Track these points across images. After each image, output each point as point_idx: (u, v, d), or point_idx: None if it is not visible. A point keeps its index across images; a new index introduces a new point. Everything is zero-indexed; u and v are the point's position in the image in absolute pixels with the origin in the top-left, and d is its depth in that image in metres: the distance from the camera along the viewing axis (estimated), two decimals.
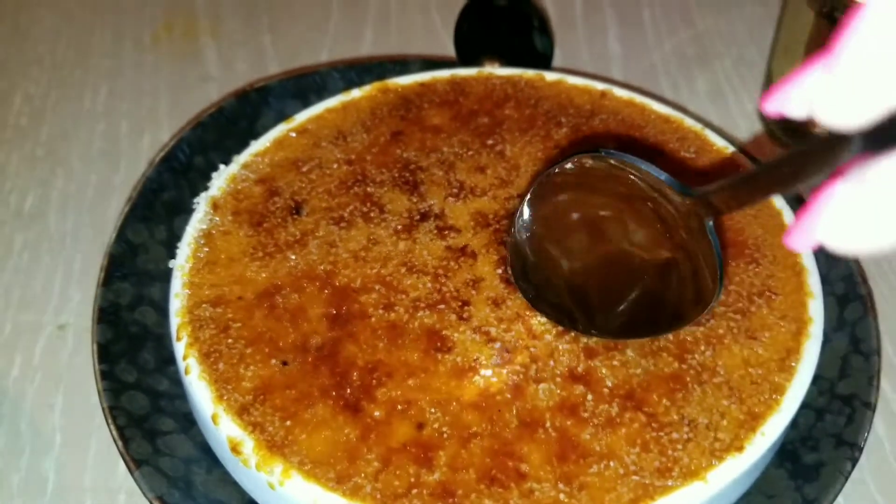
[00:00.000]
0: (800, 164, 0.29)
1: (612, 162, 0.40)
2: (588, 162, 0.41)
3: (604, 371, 0.42)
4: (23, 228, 0.61)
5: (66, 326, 0.55)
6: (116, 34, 0.77)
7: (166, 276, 0.49)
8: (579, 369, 0.42)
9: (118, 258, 0.52)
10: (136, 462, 0.43)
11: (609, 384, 0.42)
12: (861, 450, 0.44)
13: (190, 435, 0.46)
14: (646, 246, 0.41)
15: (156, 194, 0.56)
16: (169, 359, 0.49)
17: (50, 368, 0.53)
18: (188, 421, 0.46)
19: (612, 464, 0.40)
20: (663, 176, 0.38)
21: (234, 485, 0.44)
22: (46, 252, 0.60)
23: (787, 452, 0.45)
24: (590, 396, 0.42)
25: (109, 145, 0.67)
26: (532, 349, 0.43)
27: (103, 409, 0.46)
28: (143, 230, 0.54)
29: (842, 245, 0.27)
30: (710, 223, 0.37)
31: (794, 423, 0.46)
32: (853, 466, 0.43)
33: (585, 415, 0.41)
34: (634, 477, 0.39)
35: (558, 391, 0.42)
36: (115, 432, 0.44)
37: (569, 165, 0.41)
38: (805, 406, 0.47)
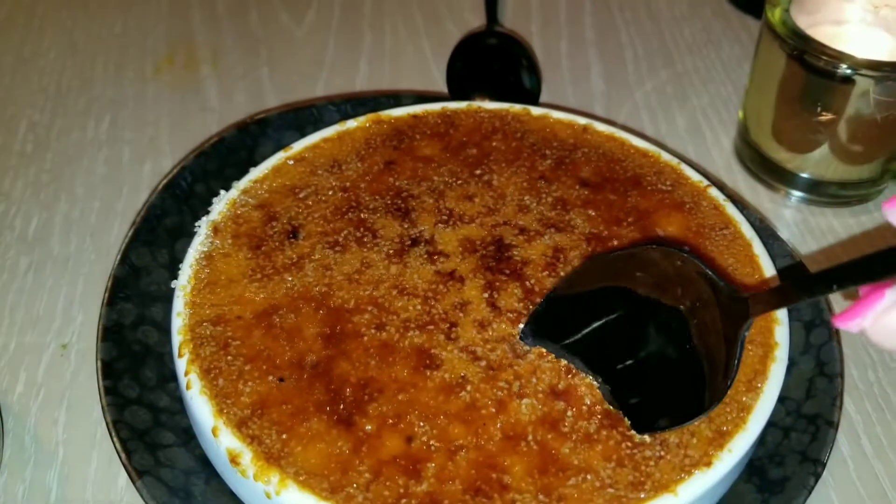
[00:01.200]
0: (829, 282, 0.35)
1: (678, 260, 0.44)
2: (654, 253, 0.45)
3: (583, 388, 0.45)
4: (27, 251, 0.63)
5: (69, 346, 0.57)
6: (119, 66, 0.80)
7: (168, 297, 0.51)
8: (560, 386, 0.45)
9: (122, 280, 0.55)
10: (138, 473, 0.45)
11: (587, 402, 0.45)
12: (824, 465, 0.47)
13: (189, 448, 0.48)
14: (676, 334, 0.45)
15: (159, 220, 0.58)
16: (170, 376, 0.51)
17: (53, 386, 0.55)
18: (188, 435, 0.49)
19: (588, 477, 0.42)
20: (722, 283, 0.42)
21: (231, 495, 0.46)
22: (50, 274, 0.62)
23: (755, 468, 0.48)
24: (569, 413, 0.44)
25: (112, 172, 0.70)
26: (515, 367, 0.46)
27: (107, 423, 0.48)
28: (146, 254, 0.57)
29: (880, 341, 0.33)
30: (746, 332, 0.41)
31: (762, 441, 0.49)
32: (816, 481, 0.46)
33: (565, 430, 0.44)
34: (609, 490, 0.42)
35: (540, 406, 0.44)
36: (118, 445, 0.47)
37: (634, 251, 0.46)
38: (772, 425, 0.50)
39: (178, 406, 0.50)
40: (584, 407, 0.44)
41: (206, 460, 0.47)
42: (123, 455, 0.46)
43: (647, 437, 0.43)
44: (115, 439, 0.47)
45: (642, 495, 0.41)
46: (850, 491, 0.51)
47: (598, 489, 0.41)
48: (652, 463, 0.43)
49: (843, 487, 0.51)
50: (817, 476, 0.46)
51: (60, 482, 0.50)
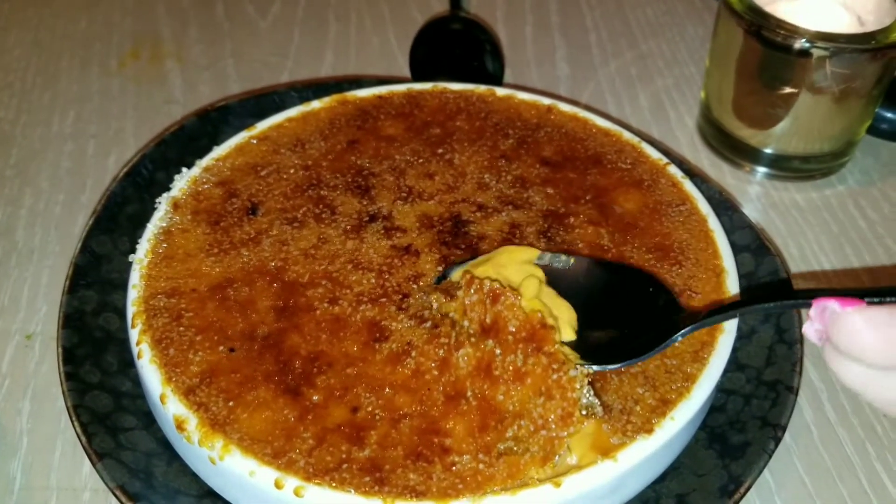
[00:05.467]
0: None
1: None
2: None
3: (506, 314, 0.44)
4: None
5: (34, 336, 0.57)
6: (84, 61, 0.80)
7: None
8: (487, 320, 0.44)
9: (83, 268, 0.55)
10: (98, 455, 0.45)
11: (512, 329, 0.44)
12: (784, 429, 0.47)
13: (151, 431, 0.48)
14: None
15: (119, 207, 0.58)
16: (131, 362, 0.51)
17: (17, 376, 0.55)
18: (150, 419, 0.49)
19: (523, 423, 0.42)
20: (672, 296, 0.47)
21: (193, 475, 0.46)
22: (15, 266, 0.62)
23: (715, 435, 0.48)
24: (498, 351, 0.44)
25: (76, 165, 0.70)
26: (451, 314, 0.46)
27: (68, 408, 0.48)
28: (106, 241, 0.56)
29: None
30: (679, 338, 0.43)
31: (723, 408, 0.49)
32: (776, 444, 0.46)
33: (497, 372, 0.43)
34: (543, 432, 0.41)
35: (474, 353, 0.44)
36: (78, 429, 0.46)
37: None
38: (733, 392, 0.50)
39: (141, 391, 0.50)
40: (510, 337, 0.44)
41: (168, 443, 0.47)
42: (84, 438, 0.46)
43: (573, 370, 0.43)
44: (75, 423, 0.47)
45: (572, 429, 0.41)
46: (814, 457, 0.51)
47: (533, 433, 0.42)
48: (577, 385, 0.42)
49: (806, 454, 0.51)
50: (777, 440, 0.46)
51: (24, 471, 0.50)
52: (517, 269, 0.48)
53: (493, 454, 0.41)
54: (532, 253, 0.49)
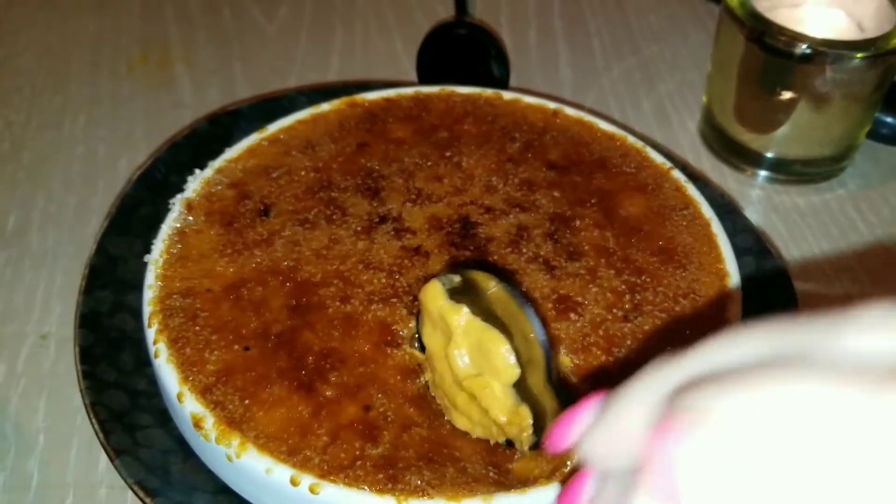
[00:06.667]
0: None
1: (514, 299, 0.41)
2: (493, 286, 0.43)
3: None
4: (5, 246, 0.64)
5: (48, 336, 0.58)
6: (94, 65, 0.81)
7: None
8: None
9: (98, 269, 0.56)
10: (116, 452, 0.46)
11: None
12: None
13: (167, 429, 0.49)
14: None
15: (133, 210, 0.59)
16: (147, 361, 0.52)
17: (33, 375, 0.56)
18: (165, 417, 0.49)
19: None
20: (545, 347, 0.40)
21: (209, 472, 0.47)
22: (29, 268, 0.63)
23: None
24: None
25: (88, 168, 0.71)
26: None
27: (85, 406, 0.49)
28: (121, 243, 0.58)
29: None
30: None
31: None
32: None
33: None
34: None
35: None
36: (96, 426, 0.47)
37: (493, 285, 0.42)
38: None
39: (156, 389, 0.51)
40: None
41: (184, 440, 0.48)
42: (101, 435, 0.47)
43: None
44: (93, 420, 0.48)
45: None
46: None
47: (542, 455, 0.42)
48: None
49: None
50: None
51: (41, 468, 0.51)
52: (444, 320, 0.42)
53: (502, 469, 0.42)
54: (439, 289, 0.43)
